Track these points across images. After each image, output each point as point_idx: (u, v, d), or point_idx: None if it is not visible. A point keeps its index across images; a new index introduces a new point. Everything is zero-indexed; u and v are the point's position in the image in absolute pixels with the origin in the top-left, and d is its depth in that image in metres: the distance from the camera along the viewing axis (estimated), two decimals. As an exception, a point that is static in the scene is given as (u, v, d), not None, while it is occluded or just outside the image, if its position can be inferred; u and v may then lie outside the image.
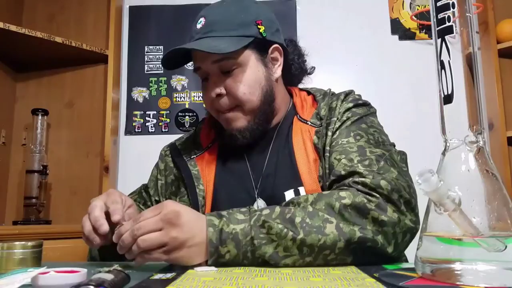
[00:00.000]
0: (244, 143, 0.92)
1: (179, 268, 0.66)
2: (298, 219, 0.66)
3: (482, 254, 0.47)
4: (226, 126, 0.93)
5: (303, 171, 0.86)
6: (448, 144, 0.53)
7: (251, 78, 0.89)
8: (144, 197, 1.04)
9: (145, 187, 1.06)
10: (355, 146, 0.80)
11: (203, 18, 0.89)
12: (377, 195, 0.69)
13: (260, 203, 0.88)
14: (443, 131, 0.54)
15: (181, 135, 1.10)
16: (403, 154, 0.85)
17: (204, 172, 0.94)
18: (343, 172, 0.76)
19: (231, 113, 0.90)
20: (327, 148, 0.84)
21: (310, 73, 1.05)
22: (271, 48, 0.93)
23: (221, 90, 0.89)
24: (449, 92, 0.52)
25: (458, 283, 0.47)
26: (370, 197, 0.69)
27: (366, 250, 0.67)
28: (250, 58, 0.89)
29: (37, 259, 0.65)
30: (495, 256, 0.47)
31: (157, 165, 1.05)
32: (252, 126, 0.91)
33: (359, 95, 0.95)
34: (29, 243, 0.65)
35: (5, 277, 0.52)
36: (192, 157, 0.97)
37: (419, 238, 0.56)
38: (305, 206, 0.69)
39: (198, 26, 0.89)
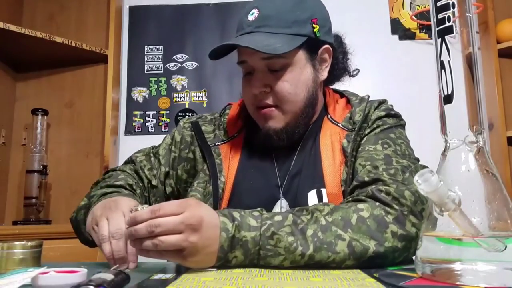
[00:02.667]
0: (279, 145, 0.90)
1: (179, 268, 0.66)
2: (310, 232, 0.64)
3: (482, 254, 0.47)
4: (262, 124, 0.89)
5: (327, 173, 0.84)
6: (448, 144, 0.53)
7: (299, 79, 0.86)
8: (152, 163, 1.00)
9: (155, 152, 1.01)
10: (382, 154, 0.79)
11: (256, 10, 0.85)
12: (397, 207, 0.67)
13: (283, 203, 0.86)
14: (443, 131, 0.54)
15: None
16: None
17: (227, 162, 0.92)
18: (366, 179, 0.74)
19: (269, 110, 0.87)
20: (354, 153, 0.83)
21: (353, 75, 1.01)
22: (321, 49, 0.89)
23: (266, 88, 0.86)
24: (449, 92, 0.52)
25: (458, 283, 0.47)
26: (389, 209, 0.67)
27: (374, 264, 0.65)
28: (301, 58, 0.86)
29: (37, 259, 0.65)
30: (495, 256, 0.47)
31: (172, 135, 1.02)
32: (291, 128, 0.88)
33: (392, 105, 0.94)
34: (29, 243, 0.64)
35: (5, 277, 0.52)
36: (217, 144, 0.94)
37: (420, 238, 0.56)
38: (318, 217, 0.66)
39: (251, 18, 0.85)
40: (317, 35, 0.86)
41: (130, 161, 1.03)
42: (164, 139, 1.03)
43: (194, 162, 0.97)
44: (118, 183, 0.91)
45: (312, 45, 0.88)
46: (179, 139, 1.00)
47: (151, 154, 1.01)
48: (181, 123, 1.03)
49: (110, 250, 0.68)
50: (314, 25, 0.86)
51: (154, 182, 0.97)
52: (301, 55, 0.86)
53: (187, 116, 2.09)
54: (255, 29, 0.84)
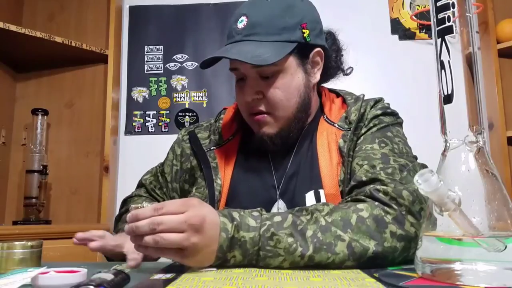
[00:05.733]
0: (274, 149, 0.90)
1: (179, 268, 0.66)
2: (309, 233, 0.64)
3: (482, 254, 0.47)
4: (256, 130, 0.90)
5: (324, 174, 0.84)
6: (448, 144, 0.53)
7: (290, 85, 0.86)
8: (160, 182, 1.03)
9: (161, 171, 1.04)
10: (379, 153, 0.79)
11: (245, 17, 0.84)
12: (395, 207, 0.67)
13: (280, 205, 0.86)
14: (443, 131, 0.54)
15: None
16: (425, 168, 0.84)
17: (222, 165, 0.92)
18: (364, 178, 0.74)
19: (262, 116, 0.87)
20: (351, 153, 0.83)
21: (347, 74, 1.00)
22: (313, 52, 0.89)
23: (258, 95, 0.86)
24: (449, 92, 0.52)
25: (458, 283, 0.47)
26: (388, 209, 0.67)
27: (374, 264, 0.65)
28: (291, 64, 0.86)
29: (37, 259, 0.65)
30: (495, 256, 0.47)
31: (173, 149, 1.03)
32: (285, 133, 0.88)
33: (388, 104, 0.93)
34: (29, 243, 0.64)
35: (5, 277, 0.52)
36: (212, 148, 0.95)
37: (420, 238, 0.56)
38: (318, 218, 0.66)
39: (240, 25, 0.85)
40: (307, 39, 0.86)
41: (140, 185, 1.06)
42: (167, 154, 1.05)
43: (193, 170, 0.98)
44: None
45: (303, 50, 0.87)
46: (180, 152, 1.01)
47: (159, 174, 1.04)
48: (180, 136, 1.04)
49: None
50: (303, 30, 0.85)
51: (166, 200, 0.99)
52: (292, 61, 0.86)
53: (187, 116, 2.12)
54: (244, 38, 0.84)
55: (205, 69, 0.90)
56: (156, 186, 1.03)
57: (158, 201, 1.00)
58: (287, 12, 0.85)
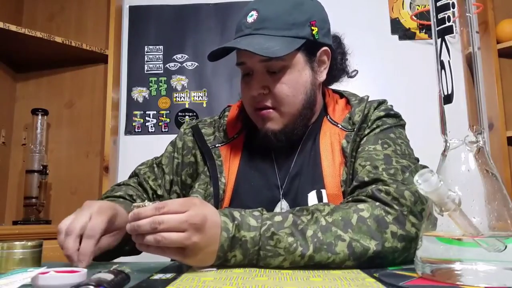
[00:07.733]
0: (278, 145, 0.90)
1: (179, 268, 0.66)
2: (309, 232, 0.64)
3: (482, 254, 0.47)
4: (260, 125, 0.90)
5: (326, 174, 0.84)
6: (448, 144, 0.53)
7: (297, 81, 0.86)
8: (156, 173, 1.01)
9: (158, 162, 1.03)
10: (382, 154, 0.79)
11: (255, 12, 0.85)
12: (396, 207, 0.67)
13: (284, 204, 0.86)
14: (443, 131, 0.54)
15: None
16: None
17: (227, 164, 0.93)
18: (366, 179, 0.74)
19: (267, 112, 0.87)
20: (354, 153, 0.84)
21: (351, 77, 1.01)
22: (320, 51, 0.90)
23: (264, 90, 0.86)
24: (449, 92, 0.52)
25: (458, 283, 0.47)
26: (389, 209, 0.67)
27: (374, 264, 0.65)
28: (299, 60, 0.86)
29: (37, 259, 0.65)
30: (495, 256, 0.47)
31: (173, 143, 1.03)
32: (290, 130, 0.89)
33: (391, 106, 0.94)
34: (29, 243, 0.64)
35: (5, 277, 0.52)
36: (217, 145, 0.95)
37: (420, 238, 0.56)
38: (319, 218, 0.66)
39: (249, 19, 0.85)
40: (316, 37, 0.86)
41: (134, 174, 1.04)
42: (166, 148, 1.04)
43: (196, 165, 0.98)
44: (118, 194, 0.92)
45: (310, 47, 0.88)
46: (181, 145, 1.01)
47: (154, 165, 1.03)
48: (181, 130, 1.04)
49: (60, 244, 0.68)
50: (312, 27, 0.86)
51: (159, 192, 0.98)
52: (300, 58, 0.86)
53: (187, 116, 2.12)
54: (254, 31, 0.84)
55: (213, 61, 0.90)
56: (150, 177, 1.00)
57: (147, 193, 0.98)
58: (297, 9, 0.86)
